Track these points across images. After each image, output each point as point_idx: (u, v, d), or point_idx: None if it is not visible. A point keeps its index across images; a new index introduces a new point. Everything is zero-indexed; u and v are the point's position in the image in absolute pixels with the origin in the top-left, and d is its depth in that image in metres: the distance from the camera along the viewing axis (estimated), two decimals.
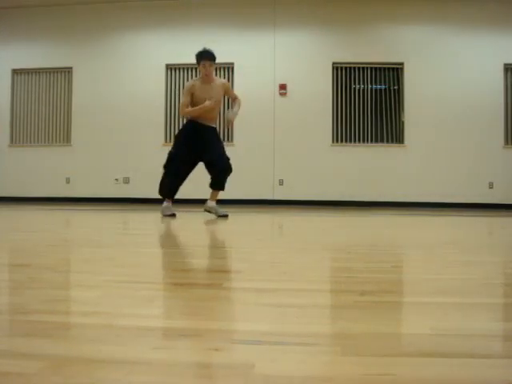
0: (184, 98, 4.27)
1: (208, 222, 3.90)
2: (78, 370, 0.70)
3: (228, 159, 4.30)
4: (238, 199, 7.20)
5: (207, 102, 4.12)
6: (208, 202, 4.36)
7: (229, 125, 4.46)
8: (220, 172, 4.27)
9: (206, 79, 4.26)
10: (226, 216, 4.25)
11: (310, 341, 0.85)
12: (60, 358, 0.74)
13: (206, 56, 4.20)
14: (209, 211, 4.34)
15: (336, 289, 1.35)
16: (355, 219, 4.52)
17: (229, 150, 7.69)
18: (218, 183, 4.33)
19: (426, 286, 1.35)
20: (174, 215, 4.28)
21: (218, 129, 4.47)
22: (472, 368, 0.72)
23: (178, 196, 7.71)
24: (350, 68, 7.61)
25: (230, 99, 4.52)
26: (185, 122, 4.42)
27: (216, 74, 7.83)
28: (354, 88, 7.63)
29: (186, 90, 4.28)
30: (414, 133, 7.41)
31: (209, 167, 4.31)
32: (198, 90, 4.22)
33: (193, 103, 4.25)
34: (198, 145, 4.25)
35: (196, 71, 7.87)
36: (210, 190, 4.36)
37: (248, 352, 0.79)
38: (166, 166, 4.38)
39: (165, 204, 4.38)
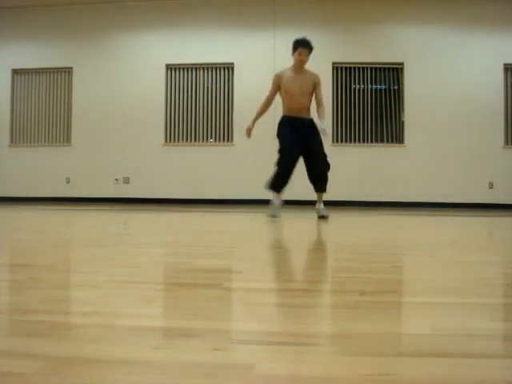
0: (270, 90, 4.26)
1: (208, 223, 3.90)
2: (77, 370, 0.70)
3: (325, 157, 4.22)
4: (239, 199, 7.20)
5: (247, 132, 4.21)
6: (316, 204, 4.39)
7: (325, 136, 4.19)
8: (317, 175, 4.25)
9: (299, 67, 4.15)
10: (325, 217, 4.23)
11: (310, 341, 0.85)
12: (60, 358, 0.74)
13: (304, 43, 4.15)
14: (322, 216, 4.26)
15: (336, 289, 1.35)
16: (355, 219, 4.52)
17: (229, 150, 7.72)
18: (317, 186, 4.32)
19: (426, 285, 1.35)
20: (276, 216, 4.18)
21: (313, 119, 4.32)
22: (472, 368, 0.72)
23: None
24: (350, 68, 7.61)
25: (315, 101, 4.26)
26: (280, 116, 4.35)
27: (216, 74, 7.85)
28: (354, 88, 7.63)
29: (273, 82, 4.23)
30: (414, 133, 7.41)
31: (307, 167, 4.27)
32: (286, 78, 4.15)
33: (283, 91, 4.20)
34: (299, 137, 4.16)
35: (196, 71, 7.87)
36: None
37: (248, 352, 0.79)
38: (278, 164, 4.24)
39: (274, 202, 4.31)
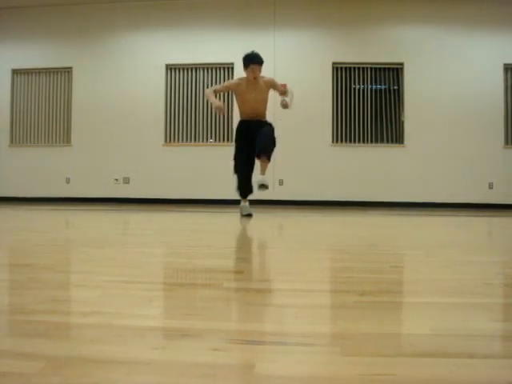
0: (220, 86, 4.51)
1: (209, 223, 3.90)
2: (78, 370, 0.70)
3: (273, 136, 4.28)
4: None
5: (218, 108, 4.13)
6: (259, 176, 4.30)
7: (285, 107, 4.33)
8: (261, 143, 4.21)
9: (253, 82, 4.28)
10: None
11: (310, 341, 0.85)
12: (60, 358, 0.74)
13: (256, 60, 4.22)
14: (262, 185, 4.22)
15: (336, 289, 1.35)
16: (355, 219, 4.52)
17: (229, 150, 7.70)
18: (260, 150, 4.21)
19: (425, 285, 1.35)
20: (250, 215, 4.28)
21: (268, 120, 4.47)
22: (472, 368, 0.72)
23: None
24: (350, 68, 7.61)
25: (280, 93, 4.43)
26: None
27: (216, 74, 7.85)
28: (354, 88, 7.63)
29: (229, 84, 4.47)
30: (414, 133, 7.41)
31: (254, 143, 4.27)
32: (242, 88, 4.30)
33: (238, 99, 4.38)
34: (251, 137, 4.30)
35: (196, 71, 7.87)
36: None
37: (248, 352, 0.79)
38: (235, 171, 4.45)
39: (241, 204, 4.43)
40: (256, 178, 4.34)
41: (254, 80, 4.26)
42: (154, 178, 7.73)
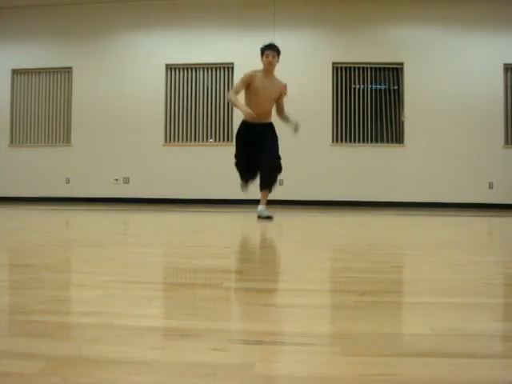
0: (238, 84, 4.26)
1: (209, 223, 3.90)
2: (78, 370, 0.70)
3: (278, 158, 4.30)
4: (238, 199, 7.20)
5: (250, 114, 4.03)
6: (259, 206, 4.31)
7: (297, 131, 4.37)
8: (265, 172, 4.24)
9: (269, 70, 4.22)
10: (269, 218, 4.16)
11: (310, 341, 0.85)
12: (60, 358, 0.74)
13: (271, 46, 4.24)
14: (268, 217, 4.17)
15: (336, 289, 1.35)
16: (355, 219, 4.52)
17: (229, 150, 7.71)
18: (262, 183, 4.30)
19: (425, 286, 1.35)
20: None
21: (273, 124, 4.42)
22: (472, 368, 0.72)
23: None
24: (350, 68, 7.61)
25: (278, 108, 4.40)
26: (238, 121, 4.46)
27: (216, 74, 7.85)
28: (354, 88, 7.63)
29: (245, 78, 4.21)
30: (414, 133, 7.41)
31: (258, 167, 4.29)
32: (257, 81, 4.21)
33: (250, 93, 4.23)
34: (253, 142, 4.26)
35: (196, 71, 7.87)
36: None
37: (248, 352, 0.79)
38: (236, 166, 4.47)
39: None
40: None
41: (269, 71, 4.21)
42: (154, 178, 7.73)
